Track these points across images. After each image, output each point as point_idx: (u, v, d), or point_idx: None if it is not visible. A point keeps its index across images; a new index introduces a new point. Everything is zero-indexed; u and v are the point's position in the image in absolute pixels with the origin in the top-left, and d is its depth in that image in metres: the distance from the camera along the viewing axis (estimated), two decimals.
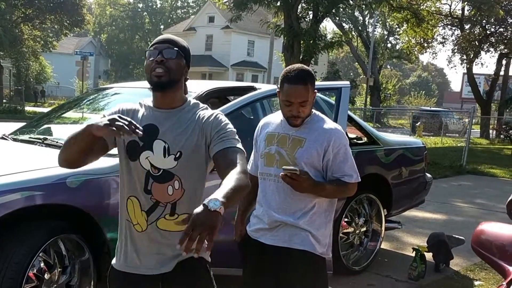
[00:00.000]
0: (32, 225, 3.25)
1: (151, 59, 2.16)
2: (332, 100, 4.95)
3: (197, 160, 2.19)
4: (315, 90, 2.69)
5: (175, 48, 2.18)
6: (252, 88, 4.60)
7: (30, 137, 4.41)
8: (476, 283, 5.16)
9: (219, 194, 1.83)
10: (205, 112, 2.24)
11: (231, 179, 1.96)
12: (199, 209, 1.79)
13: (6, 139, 4.45)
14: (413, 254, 5.22)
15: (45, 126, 4.95)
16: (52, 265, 3.34)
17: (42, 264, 3.32)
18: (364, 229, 5.33)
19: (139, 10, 70.26)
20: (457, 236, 5.70)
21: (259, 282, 2.83)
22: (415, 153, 5.97)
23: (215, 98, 5.34)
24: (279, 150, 2.73)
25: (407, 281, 5.07)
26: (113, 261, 2.30)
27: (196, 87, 4.48)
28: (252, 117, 5.23)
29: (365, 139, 5.53)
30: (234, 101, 4.36)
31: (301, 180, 2.56)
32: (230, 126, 2.20)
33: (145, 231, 2.19)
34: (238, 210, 3.02)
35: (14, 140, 4.42)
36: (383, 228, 5.46)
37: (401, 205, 5.88)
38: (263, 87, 4.58)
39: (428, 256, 5.37)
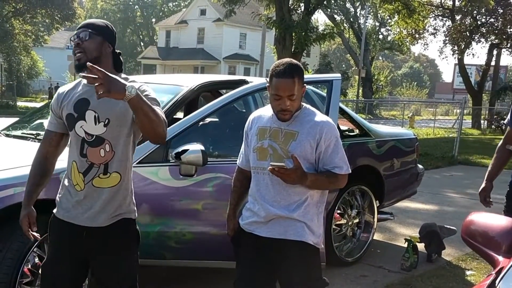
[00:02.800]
0: None
1: (73, 44, 2.55)
2: (323, 93, 4.96)
3: (123, 124, 2.52)
4: (304, 85, 2.70)
5: (88, 30, 2.53)
6: (244, 82, 4.61)
7: (22, 133, 4.41)
8: (468, 272, 5.21)
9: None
10: (133, 83, 2.49)
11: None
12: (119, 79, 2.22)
13: None
14: (405, 245, 5.26)
15: (38, 121, 4.93)
16: None
17: (36, 260, 3.33)
18: (357, 220, 5.37)
19: (131, 3, 69.80)
20: (448, 227, 5.75)
21: (255, 273, 2.84)
22: (406, 145, 6.00)
23: (207, 91, 5.36)
24: (272, 144, 2.73)
25: (399, 272, 5.11)
26: (55, 210, 2.69)
27: (188, 81, 4.49)
28: (244, 111, 5.25)
29: (357, 131, 5.55)
30: (226, 95, 4.37)
31: (289, 172, 2.58)
32: (152, 95, 2.50)
33: (83, 190, 2.56)
34: (229, 204, 3.02)
35: (7, 136, 4.42)
36: (375, 220, 5.50)
37: (393, 196, 5.92)
38: (255, 81, 4.59)
39: (420, 246, 5.42)
